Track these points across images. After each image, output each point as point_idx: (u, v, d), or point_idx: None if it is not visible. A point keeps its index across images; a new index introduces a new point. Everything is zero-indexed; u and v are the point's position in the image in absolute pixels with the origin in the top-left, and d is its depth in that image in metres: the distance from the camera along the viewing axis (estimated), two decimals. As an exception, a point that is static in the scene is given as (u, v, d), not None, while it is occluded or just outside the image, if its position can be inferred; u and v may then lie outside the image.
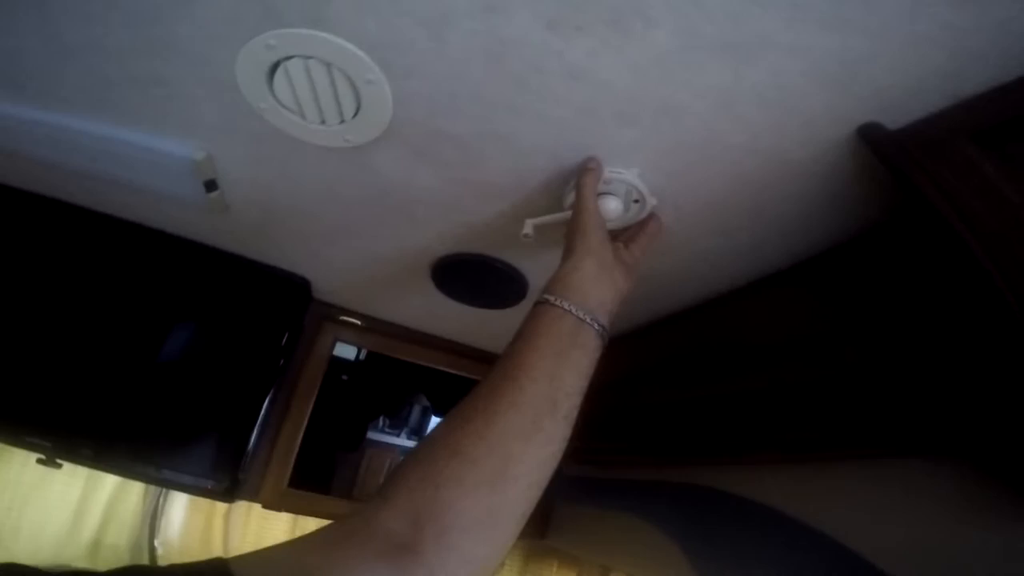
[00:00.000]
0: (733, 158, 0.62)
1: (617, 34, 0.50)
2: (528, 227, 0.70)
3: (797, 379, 0.74)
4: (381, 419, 2.16)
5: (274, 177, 0.81)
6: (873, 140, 0.55)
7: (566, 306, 0.53)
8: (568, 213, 0.67)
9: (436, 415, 2.20)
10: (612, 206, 0.67)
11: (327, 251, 1.03)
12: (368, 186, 0.79)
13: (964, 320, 0.55)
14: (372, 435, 2.10)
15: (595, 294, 0.56)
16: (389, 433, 2.19)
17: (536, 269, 0.93)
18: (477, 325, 1.21)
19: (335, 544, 0.39)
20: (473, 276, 0.96)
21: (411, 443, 2.19)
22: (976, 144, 0.50)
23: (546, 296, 0.54)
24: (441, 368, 1.38)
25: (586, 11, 0.49)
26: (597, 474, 1.28)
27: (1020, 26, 0.44)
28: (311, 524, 1.30)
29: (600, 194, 0.67)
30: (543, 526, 1.42)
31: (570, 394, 0.50)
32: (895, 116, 0.54)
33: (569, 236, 0.62)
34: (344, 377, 1.87)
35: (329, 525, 0.42)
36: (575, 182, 0.65)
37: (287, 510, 1.24)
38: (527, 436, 0.46)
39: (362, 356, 1.90)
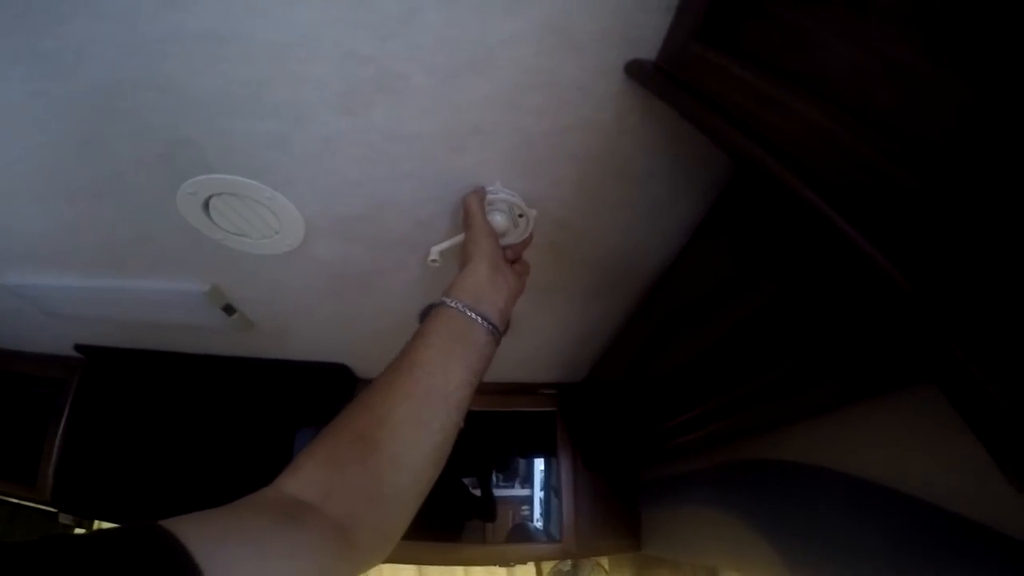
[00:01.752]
0: (557, 142, 0.68)
1: (389, 95, 0.62)
2: (434, 253, 0.79)
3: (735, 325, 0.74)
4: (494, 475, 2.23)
5: (267, 289, 1.02)
6: (639, 77, 0.56)
7: (459, 307, 0.60)
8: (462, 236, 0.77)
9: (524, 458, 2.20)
10: (498, 220, 0.75)
11: (343, 334, 1.22)
12: (322, 274, 0.96)
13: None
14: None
15: (487, 296, 0.62)
16: (504, 487, 2.25)
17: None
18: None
19: (246, 507, 0.42)
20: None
21: (525, 491, 2.24)
22: (703, 43, 0.48)
23: (442, 299, 0.61)
24: (498, 409, 1.47)
25: (359, 90, 0.61)
26: (667, 472, 1.25)
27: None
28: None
29: (489, 213, 0.76)
30: (635, 537, 1.39)
31: (460, 386, 0.55)
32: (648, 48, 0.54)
33: (464, 247, 0.70)
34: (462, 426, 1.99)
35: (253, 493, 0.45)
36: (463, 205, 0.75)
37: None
38: (422, 423, 0.52)
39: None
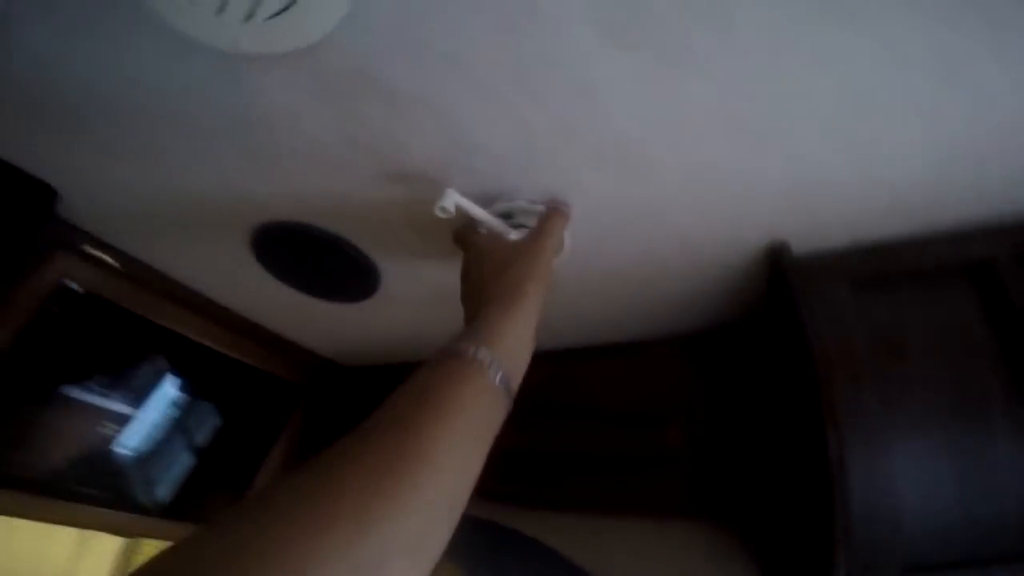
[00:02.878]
0: (657, 234, 0.63)
1: (664, 67, 0.45)
2: (449, 200, 0.55)
3: (621, 447, 0.79)
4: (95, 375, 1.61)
5: (90, 51, 0.51)
6: (777, 259, 0.62)
7: (496, 375, 0.40)
8: (497, 222, 0.58)
9: (178, 385, 1.72)
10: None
11: (114, 166, 0.70)
12: (231, 108, 0.55)
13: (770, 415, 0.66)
14: (74, 392, 1.55)
15: (523, 358, 0.44)
16: (98, 393, 1.65)
17: (393, 269, 0.78)
18: (298, 314, 0.99)
19: None
20: (310, 256, 0.77)
21: (127, 409, 1.71)
22: (850, 288, 0.59)
23: (475, 351, 0.40)
24: (218, 349, 1.08)
25: (642, 28, 0.42)
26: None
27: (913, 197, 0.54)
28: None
29: (516, 224, 0.59)
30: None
31: (472, 486, 0.36)
32: (800, 241, 0.61)
33: (509, 274, 0.50)
34: (54, 309, 1.33)
35: None
36: (543, 213, 0.57)
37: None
38: (415, 553, 0.31)
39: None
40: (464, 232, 0.59)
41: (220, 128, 0.58)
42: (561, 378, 0.88)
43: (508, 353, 0.42)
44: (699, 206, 0.58)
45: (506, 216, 0.59)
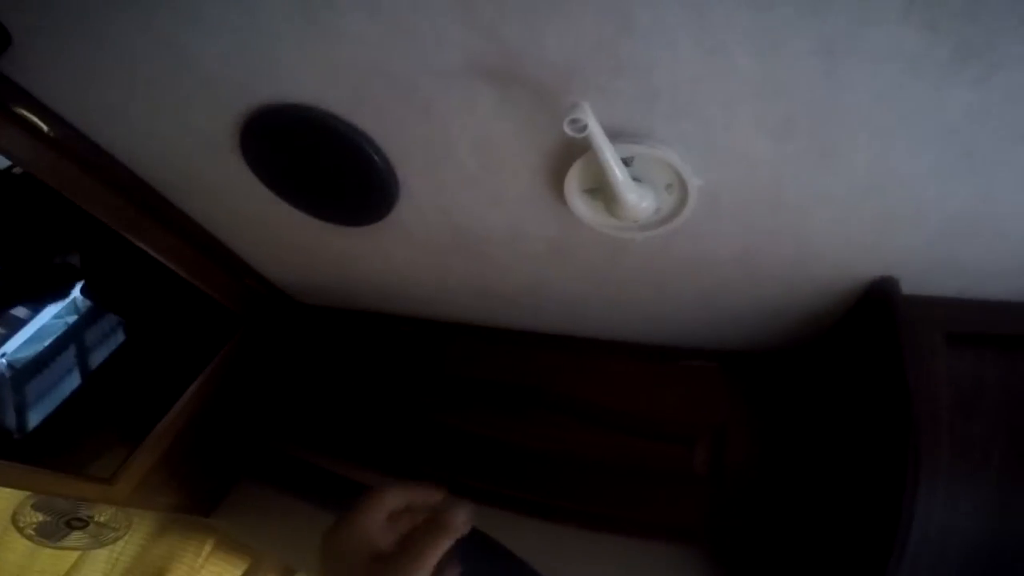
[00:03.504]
0: (780, 234, 0.52)
1: (953, 62, 0.34)
2: (585, 113, 0.40)
3: (632, 458, 0.70)
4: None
5: None
6: (887, 296, 0.55)
7: None
8: (621, 170, 0.44)
9: (87, 290, 1.44)
10: (633, 199, 0.46)
11: (112, 15, 0.49)
12: None
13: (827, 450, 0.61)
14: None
15: None
16: None
17: (418, 191, 0.61)
18: (265, 230, 0.78)
19: None
20: (316, 155, 0.59)
21: (23, 311, 1.45)
22: (944, 338, 0.55)
23: None
24: (147, 248, 0.85)
25: None
26: (316, 461, 1.02)
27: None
28: None
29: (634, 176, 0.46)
30: (209, 502, 1.06)
31: None
32: (910, 282, 0.55)
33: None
34: None
35: None
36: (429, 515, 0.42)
37: None
38: None
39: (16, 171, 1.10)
40: (374, 500, 0.43)
41: None
42: (574, 370, 0.77)
43: None
44: (847, 222, 0.49)
45: (626, 161, 0.45)
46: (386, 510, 0.42)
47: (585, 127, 0.40)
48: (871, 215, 0.48)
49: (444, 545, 0.40)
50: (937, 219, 0.47)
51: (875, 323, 0.56)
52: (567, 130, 0.40)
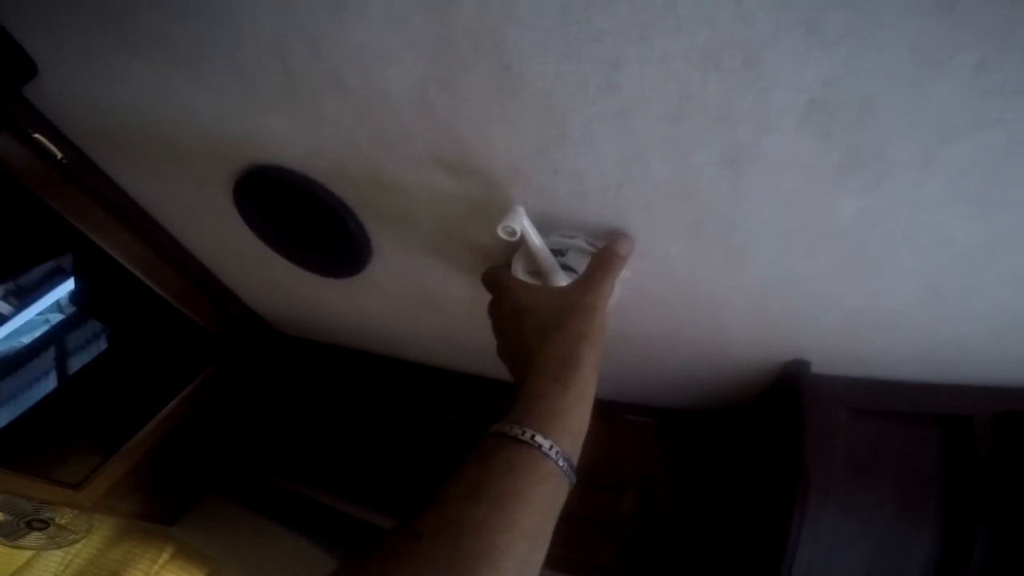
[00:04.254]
0: (700, 322, 0.59)
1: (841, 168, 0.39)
2: (518, 222, 0.46)
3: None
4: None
5: None
6: (796, 377, 0.62)
7: (559, 460, 0.36)
8: (552, 260, 0.51)
9: (71, 291, 1.45)
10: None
11: (114, 61, 0.55)
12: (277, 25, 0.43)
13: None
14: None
15: (583, 434, 0.40)
16: None
17: (390, 256, 0.68)
18: (253, 267, 0.84)
19: None
20: (301, 215, 0.66)
21: (6, 308, 1.45)
22: (848, 412, 0.62)
23: (534, 436, 0.36)
24: (137, 274, 0.90)
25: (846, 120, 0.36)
26: (282, 483, 1.06)
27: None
28: None
29: (564, 264, 0.53)
30: (173, 512, 1.10)
31: None
32: (821, 364, 0.62)
33: (561, 336, 0.43)
34: None
35: None
36: (596, 253, 0.49)
37: None
38: None
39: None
40: (498, 274, 0.51)
41: (260, 42, 0.46)
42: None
43: (569, 433, 0.38)
44: (756, 313, 0.56)
45: (557, 252, 0.52)
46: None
47: (515, 233, 0.46)
48: (778, 307, 0.54)
49: (618, 269, 0.47)
50: (838, 312, 0.53)
51: (787, 398, 0.63)
52: (500, 234, 0.46)
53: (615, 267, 0.47)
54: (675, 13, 0.33)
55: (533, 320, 0.44)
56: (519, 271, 0.56)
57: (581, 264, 0.52)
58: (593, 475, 0.75)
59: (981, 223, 0.40)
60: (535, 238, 0.48)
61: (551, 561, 0.73)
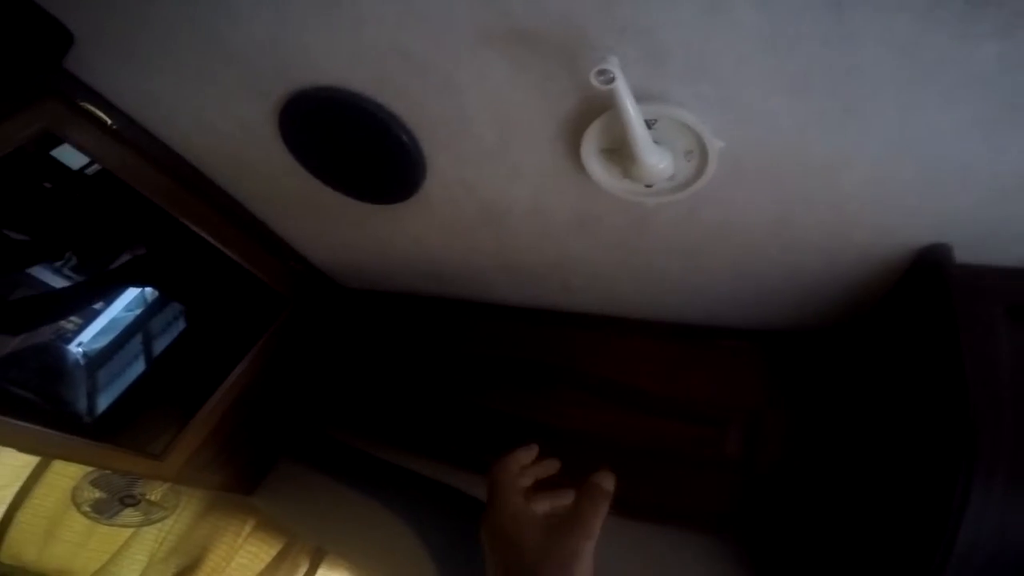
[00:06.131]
0: (815, 198, 0.49)
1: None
2: (614, 65, 0.39)
3: (661, 441, 0.68)
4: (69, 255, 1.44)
5: None
6: (938, 265, 0.50)
7: None
8: (643, 131, 0.43)
9: (148, 279, 1.53)
10: (657, 162, 0.46)
11: (156, 11, 0.55)
12: None
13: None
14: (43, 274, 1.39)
15: None
16: (63, 274, 1.48)
17: (444, 169, 0.63)
18: (308, 212, 0.82)
19: None
20: (348, 136, 0.62)
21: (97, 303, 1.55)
22: (1005, 311, 0.50)
23: None
24: (206, 236, 0.91)
25: None
26: (359, 443, 1.04)
27: None
28: None
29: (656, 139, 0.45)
30: (251, 481, 1.10)
31: None
32: (965, 250, 0.50)
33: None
34: (47, 185, 1.16)
35: None
36: (587, 485, 0.48)
37: None
38: None
39: (90, 171, 1.21)
40: (503, 478, 0.50)
41: None
42: (605, 350, 0.75)
43: None
44: (884, 182, 0.46)
45: (649, 123, 0.44)
46: (517, 485, 0.49)
47: (613, 79, 0.39)
48: (911, 174, 0.45)
49: (605, 508, 0.46)
50: (987, 176, 0.43)
51: (925, 296, 0.51)
52: (594, 82, 0.39)
53: (604, 504, 0.46)
54: None
55: (517, 553, 0.44)
56: (590, 152, 0.49)
57: (670, 138, 0.45)
58: (690, 408, 0.66)
59: None
60: (627, 90, 0.40)
61: (638, 509, 0.67)
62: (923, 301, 0.52)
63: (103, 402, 1.34)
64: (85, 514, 1.07)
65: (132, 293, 1.56)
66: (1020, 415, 0.46)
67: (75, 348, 1.43)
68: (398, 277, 0.94)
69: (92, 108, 0.72)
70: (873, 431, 0.57)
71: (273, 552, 1.14)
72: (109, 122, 0.74)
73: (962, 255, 0.50)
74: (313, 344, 1.08)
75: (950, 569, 0.44)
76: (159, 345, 1.38)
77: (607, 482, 0.48)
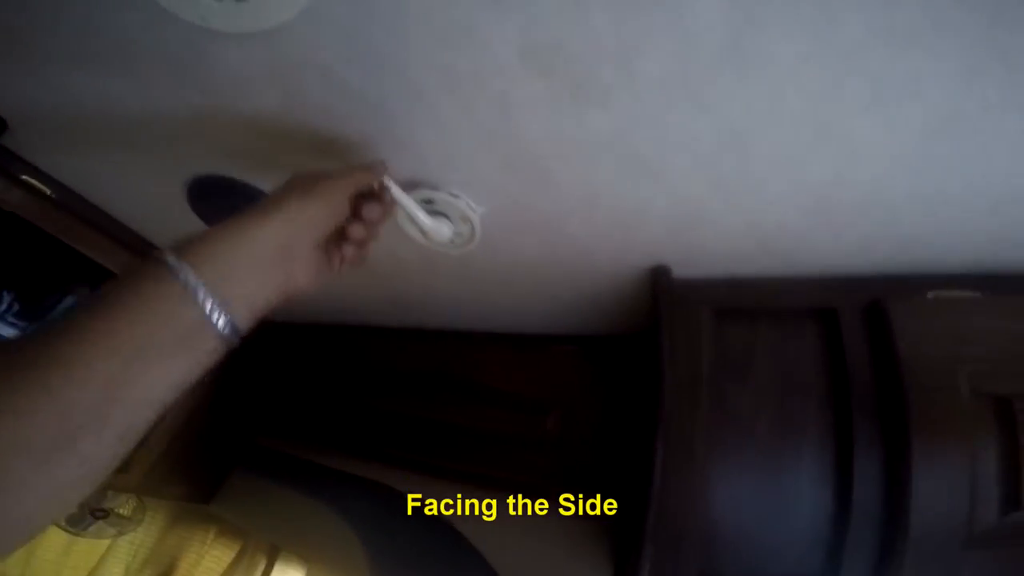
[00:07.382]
0: (558, 239, 0.67)
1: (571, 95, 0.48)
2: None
3: (504, 427, 0.86)
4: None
5: None
6: (657, 280, 0.68)
7: (197, 290, 0.35)
8: (419, 210, 0.59)
9: None
10: (443, 230, 0.64)
11: (63, 105, 0.70)
12: (182, 68, 0.56)
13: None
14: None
15: (251, 281, 0.39)
16: (8, 323, 1.51)
17: None
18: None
19: None
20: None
21: None
22: (712, 314, 0.65)
23: (168, 256, 0.36)
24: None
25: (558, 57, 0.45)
26: (290, 451, 1.21)
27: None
28: None
29: (434, 211, 0.64)
30: (208, 491, 1.26)
31: (139, 408, 0.33)
32: (680, 267, 0.68)
33: (280, 192, 0.45)
34: None
35: None
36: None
37: None
38: (42, 457, 0.30)
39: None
40: (348, 183, 0.50)
41: (168, 82, 0.59)
42: (467, 358, 0.94)
43: (221, 266, 0.37)
44: (594, 223, 0.63)
45: (427, 202, 0.63)
46: (348, 192, 0.48)
47: (389, 188, 0.55)
48: (602, 217, 0.61)
49: (355, 179, 0.48)
50: (656, 214, 0.59)
51: (654, 305, 0.66)
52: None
53: (362, 173, 0.50)
54: None
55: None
56: (404, 223, 0.67)
57: (448, 209, 0.64)
58: (523, 402, 0.84)
59: (705, 115, 0.46)
60: (403, 196, 0.55)
61: (482, 481, 0.83)
62: (654, 309, 0.67)
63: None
64: (60, 527, 1.21)
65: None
66: (722, 395, 0.59)
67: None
68: (311, 311, 1.13)
69: (34, 181, 0.86)
70: (646, 415, 0.71)
71: (232, 554, 1.29)
72: (45, 190, 0.88)
73: (682, 271, 0.67)
74: (245, 369, 1.26)
75: (648, 529, 0.55)
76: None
77: (378, 166, 0.51)
